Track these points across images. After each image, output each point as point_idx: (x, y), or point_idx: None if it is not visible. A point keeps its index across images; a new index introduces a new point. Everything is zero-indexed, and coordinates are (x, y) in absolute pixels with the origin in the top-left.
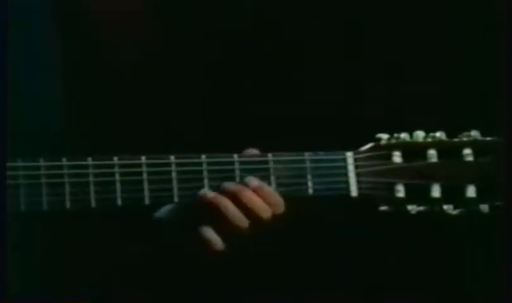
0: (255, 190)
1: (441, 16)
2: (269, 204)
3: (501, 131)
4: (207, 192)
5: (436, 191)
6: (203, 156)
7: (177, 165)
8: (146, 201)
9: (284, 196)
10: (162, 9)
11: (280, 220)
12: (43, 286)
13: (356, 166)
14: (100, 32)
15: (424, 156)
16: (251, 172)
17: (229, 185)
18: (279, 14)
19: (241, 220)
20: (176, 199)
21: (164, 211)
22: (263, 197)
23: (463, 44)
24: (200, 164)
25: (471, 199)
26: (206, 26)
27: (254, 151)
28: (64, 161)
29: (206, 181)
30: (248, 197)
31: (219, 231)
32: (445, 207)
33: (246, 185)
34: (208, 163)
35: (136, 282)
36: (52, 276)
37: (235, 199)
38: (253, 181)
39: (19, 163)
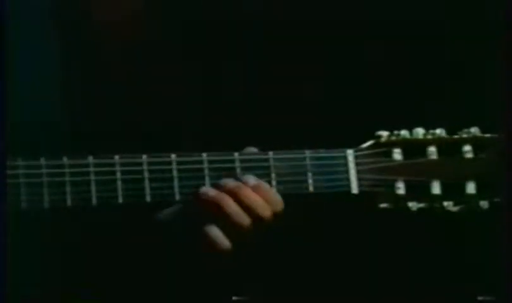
0: (254, 189)
1: (440, 11)
2: (268, 202)
3: (501, 129)
4: (209, 190)
5: (436, 188)
6: (204, 155)
7: (178, 163)
8: (148, 199)
9: (285, 193)
10: (162, 7)
11: (282, 218)
12: (45, 286)
13: (357, 164)
14: (100, 31)
15: (424, 153)
16: (252, 169)
17: (229, 183)
18: (279, 12)
19: (243, 218)
20: (177, 197)
21: (168, 211)
22: (262, 195)
23: (463, 41)
24: (201, 162)
25: (471, 195)
26: (206, 23)
27: (253, 149)
28: (65, 160)
29: (207, 179)
30: (247, 194)
31: (223, 230)
32: (445, 204)
33: (245, 183)
34: (209, 161)
35: (137, 282)
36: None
37: (235, 196)
38: (251, 179)
39: (20, 162)
